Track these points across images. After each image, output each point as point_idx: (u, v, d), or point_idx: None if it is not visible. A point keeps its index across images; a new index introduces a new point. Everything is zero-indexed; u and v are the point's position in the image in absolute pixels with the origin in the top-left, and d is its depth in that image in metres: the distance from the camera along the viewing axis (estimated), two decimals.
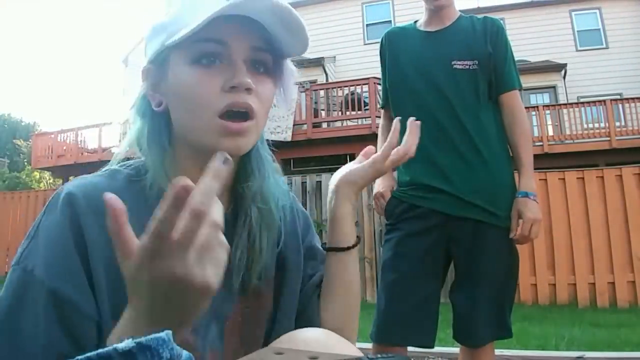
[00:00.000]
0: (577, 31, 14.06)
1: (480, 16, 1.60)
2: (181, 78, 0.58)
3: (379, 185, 1.63)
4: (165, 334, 0.35)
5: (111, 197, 0.38)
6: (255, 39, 0.59)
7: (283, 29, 0.60)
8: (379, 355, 0.44)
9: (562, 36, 14.02)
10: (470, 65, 1.48)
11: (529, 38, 13.85)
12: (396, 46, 1.62)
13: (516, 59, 1.60)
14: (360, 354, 0.54)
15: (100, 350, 0.33)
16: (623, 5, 13.88)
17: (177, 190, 0.37)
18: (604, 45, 13.84)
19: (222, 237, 0.41)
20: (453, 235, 1.47)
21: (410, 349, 1.63)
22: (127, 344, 0.33)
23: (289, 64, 0.68)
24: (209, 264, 0.39)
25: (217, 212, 0.41)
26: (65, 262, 0.51)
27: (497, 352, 2.83)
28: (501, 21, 1.61)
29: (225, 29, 0.57)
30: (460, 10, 1.62)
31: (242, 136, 0.59)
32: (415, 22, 1.66)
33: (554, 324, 4.07)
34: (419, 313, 1.45)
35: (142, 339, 0.34)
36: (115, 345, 0.33)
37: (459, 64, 1.48)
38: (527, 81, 12.88)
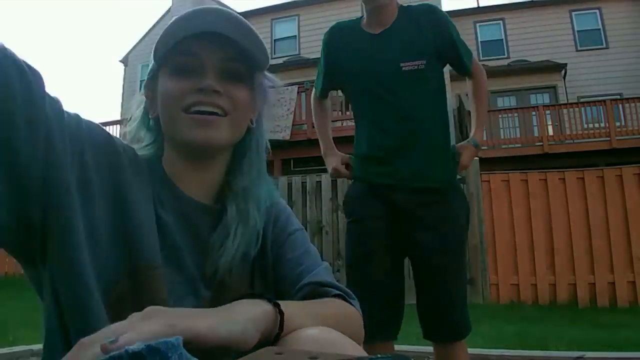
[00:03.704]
0: (577, 31, 14.06)
1: (415, 4, 1.64)
2: (162, 86, 0.69)
3: (331, 164, 1.74)
4: (175, 339, 0.36)
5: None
6: (225, 51, 0.68)
7: (247, 41, 0.68)
8: (379, 355, 0.44)
9: (562, 36, 14.03)
10: (418, 65, 1.53)
11: (529, 38, 13.86)
12: (345, 44, 1.64)
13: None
14: (363, 353, 0.54)
15: (113, 353, 0.34)
16: (623, 5, 13.88)
17: None
18: (604, 45, 13.84)
19: None
20: (401, 208, 1.53)
21: (410, 349, 1.64)
22: (137, 346, 0.34)
23: (266, 79, 0.75)
24: None
25: None
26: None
27: (497, 352, 2.84)
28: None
29: (196, 45, 0.67)
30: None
31: (212, 127, 0.66)
32: (361, 17, 1.67)
33: (554, 324, 4.07)
34: (382, 310, 1.50)
35: (152, 342, 0.34)
36: (126, 347, 0.34)
37: (407, 66, 1.53)
38: (527, 81, 12.93)
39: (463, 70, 1.67)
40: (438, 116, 1.59)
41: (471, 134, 1.70)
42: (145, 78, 0.75)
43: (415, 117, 1.54)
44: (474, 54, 1.71)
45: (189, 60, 0.67)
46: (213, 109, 0.66)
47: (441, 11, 1.62)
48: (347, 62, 1.61)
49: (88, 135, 0.62)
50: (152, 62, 0.71)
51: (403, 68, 1.52)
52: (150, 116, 0.74)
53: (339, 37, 1.66)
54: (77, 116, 0.63)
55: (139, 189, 0.66)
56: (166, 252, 0.65)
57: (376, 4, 1.56)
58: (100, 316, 0.57)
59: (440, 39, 1.56)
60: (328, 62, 1.69)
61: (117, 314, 0.59)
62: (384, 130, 1.55)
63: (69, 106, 0.61)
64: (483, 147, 10.05)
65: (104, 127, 0.67)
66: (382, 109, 1.55)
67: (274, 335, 0.54)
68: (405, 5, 1.63)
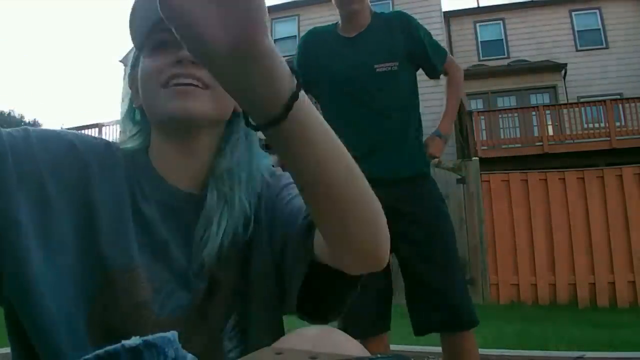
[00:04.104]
0: (577, 31, 14.06)
1: (388, 12, 1.75)
2: (141, 68, 0.67)
3: None
4: (171, 334, 0.36)
5: None
6: None
7: None
8: (378, 355, 0.44)
9: (562, 36, 14.03)
10: (391, 67, 1.60)
11: (529, 38, 13.86)
12: (320, 48, 1.71)
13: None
14: (363, 353, 0.54)
15: (108, 347, 0.34)
16: (623, 5, 13.89)
17: None
18: (604, 45, 13.84)
19: None
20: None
21: (410, 349, 1.66)
22: (134, 340, 0.34)
23: None
24: None
25: None
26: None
27: (497, 352, 2.84)
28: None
29: None
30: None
31: (190, 98, 0.62)
32: (336, 23, 1.76)
33: (554, 324, 4.07)
34: (374, 305, 1.54)
35: (149, 337, 0.34)
36: (123, 342, 0.34)
37: (381, 67, 1.60)
38: (527, 81, 12.92)
39: (434, 73, 1.74)
40: (411, 115, 1.67)
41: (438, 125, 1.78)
42: (129, 68, 0.72)
43: (390, 116, 1.60)
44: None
45: (165, 36, 0.64)
46: (192, 81, 0.62)
47: (412, 17, 1.72)
48: (323, 65, 1.67)
49: (42, 151, 0.59)
50: (135, 51, 0.70)
51: (377, 69, 1.59)
52: (134, 106, 0.72)
53: (315, 41, 1.74)
54: (24, 133, 0.59)
55: (109, 190, 0.63)
56: (152, 247, 0.63)
57: (350, 9, 1.64)
58: (70, 341, 0.56)
59: (411, 41, 1.64)
60: (302, 65, 1.74)
61: (102, 324, 0.58)
62: (359, 130, 1.59)
63: (69, 106, 0.60)
64: (483, 147, 10.09)
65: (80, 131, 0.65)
66: (357, 110, 1.61)
67: (290, 94, 0.41)
68: (379, 12, 1.72)
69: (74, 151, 0.62)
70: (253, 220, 0.68)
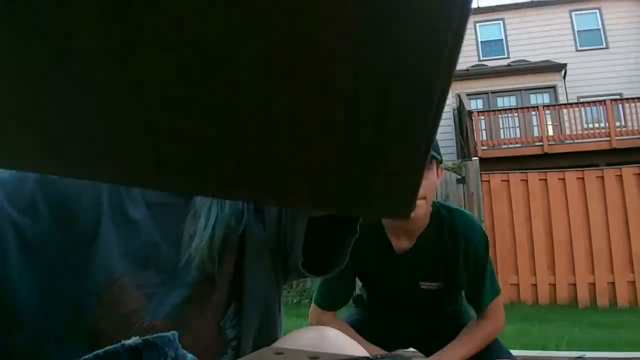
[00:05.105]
0: (577, 31, 14.06)
1: (449, 220, 1.49)
2: None
3: None
4: (172, 334, 0.36)
5: None
6: None
7: None
8: (378, 356, 0.44)
9: (562, 36, 14.02)
10: (437, 286, 1.52)
11: (529, 38, 13.86)
12: (372, 263, 1.57)
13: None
14: (363, 353, 0.54)
15: (108, 347, 0.34)
16: (623, 5, 13.89)
17: None
18: (604, 45, 13.84)
19: None
20: None
21: (409, 349, 1.66)
22: (134, 340, 0.34)
23: None
24: None
25: None
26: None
27: None
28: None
29: None
30: None
31: None
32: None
33: (554, 324, 4.07)
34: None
35: (149, 337, 0.34)
36: (123, 342, 0.34)
37: (426, 285, 1.54)
38: (527, 81, 12.92)
39: (477, 308, 1.55)
40: (454, 310, 1.65)
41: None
42: None
43: (433, 318, 1.62)
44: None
45: None
46: None
47: (475, 242, 1.47)
48: (370, 271, 1.59)
49: (6, 207, 0.58)
50: None
51: (422, 287, 1.53)
52: None
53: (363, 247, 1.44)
54: None
55: (85, 206, 0.62)
56: (141, 252, 0.62)
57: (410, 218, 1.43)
58: None
59: (467, 270, 1.49)
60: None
61: (95, 339, 0.58)
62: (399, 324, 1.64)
63: None
64: (483, 147, 10.10)
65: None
66: (398, 313, 1.63)
67: None
68: (442, 216, 1.49)
69: (40, 189, 0.61)
70: (246, 211, 0.67)
